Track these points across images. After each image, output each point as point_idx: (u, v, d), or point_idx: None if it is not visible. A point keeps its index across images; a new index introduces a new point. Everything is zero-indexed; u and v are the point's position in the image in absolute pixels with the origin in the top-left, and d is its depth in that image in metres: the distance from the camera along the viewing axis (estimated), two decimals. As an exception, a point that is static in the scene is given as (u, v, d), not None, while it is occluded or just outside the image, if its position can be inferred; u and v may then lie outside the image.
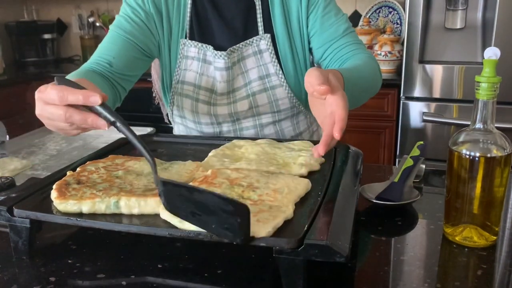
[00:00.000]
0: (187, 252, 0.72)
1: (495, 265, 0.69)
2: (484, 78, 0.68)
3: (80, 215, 0.68)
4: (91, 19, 3.24)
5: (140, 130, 1.31)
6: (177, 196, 0.61)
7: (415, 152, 0.94)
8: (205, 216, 0.59)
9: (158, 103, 1.40)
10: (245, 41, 1.10)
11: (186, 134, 1.23)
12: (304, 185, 0.73)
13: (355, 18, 2.78)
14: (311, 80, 0.72)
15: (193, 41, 1.11)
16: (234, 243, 0.58)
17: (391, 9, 2.70)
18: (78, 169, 0.81)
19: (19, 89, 2.80)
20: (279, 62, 1.12)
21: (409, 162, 0.91)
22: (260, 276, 0.66)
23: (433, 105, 2.15)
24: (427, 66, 2.12)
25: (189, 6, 1.11)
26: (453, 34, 2.14)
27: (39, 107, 0.71)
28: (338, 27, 1.10)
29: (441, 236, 0.77)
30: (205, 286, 0.64)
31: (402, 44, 2.31)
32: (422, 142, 0.96)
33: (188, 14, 1.11)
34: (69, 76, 0.90)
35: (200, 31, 1.12)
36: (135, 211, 0.68)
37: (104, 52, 1.05)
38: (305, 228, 0.60)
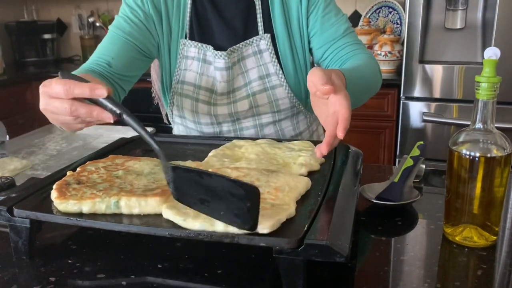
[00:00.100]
0: (187, 252, 0.72)
1: (495, 265, 0.69)
2: (484, 78, 0.68)
3: (80, 215, 0.68)
4: (91, 19, 3.24)
5: (140, 130, 1.31)
6: (187, 182, 0.61)
7: (415, 152, 0.94)
8: (214, 202, 0.59)
9: (158, 103, 1.40)
10: (245, 41, 1.11)
11: (186, 134, 1.23)
12: (304, 183, 0.74)
13: (355, 18, 2.78)
14: (314, 80, 0.72)
15: (193, 41, 1.11)
16: (242, 230, 0.59)
17: (391, 9, 2.70)
18: (78, 169, 0.81)
19: (19, 89, 2.80)
20: (279, 62, 1.12)
21: (409, 162, 0.91)
22: (260, 276, 0.66)
23: (433, 105, 2.15)
24: (427, 66, 2.12)
25: (189, 6, 1.11)
26: (453, 34, 2.14)
27: (44, 101, 0.71)
28: (339, 27, 1.10)
29: (441, 236, 0.77)
30: (205, 286, 0.64)
31: (402, 44, 2.31)
32: (422, 142, 0.96)
33: (188, 14, 1.11)
34: None
35: (200, 31, 1.12)
36: (136, 211, 0.68)
37: (104, 52, 1.05)
38: (305, 228, 0.60)
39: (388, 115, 2.31)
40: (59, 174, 0.81)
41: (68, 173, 0.79)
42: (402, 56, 2.23)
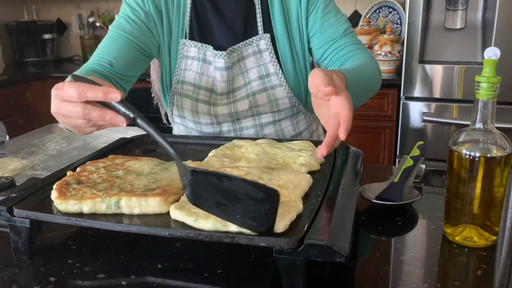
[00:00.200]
0: (187, 252, 0.72)
1: (495, 265, 0.69)
2: (484, 78, 0.68)
3: (80, 215, 0.68)
4: (91, 19, 3.24)
5: (140, 130, 1.30)
6: (204, 185, 0.61)
7: (415, 152, 0.94)
8: (231, 206, 0.59)
9: (157, 103, 1.41)
10: (245, 41, 1.11)
11: (186, 134, 1.23)
12: (307, 180, 0.74)
13: (355, 18, 2.78)
14: (316, 81, 0.72)
15: (193, 41, 1.11)
16: (257, 232, 0.59)
17: (391, 9, 2.70)
18: (78, 169, 0.81)
19: (19, 89, 2.80)
20: (278, 61, 1.12)
21: (409, 162, 0.91)
22: (260, 276, 0.66)
23: (433, 105, 2.15)
24: (427, 66, 2.12)
25: (188, 6, 1.11)
26: (453, 34, 2.14)
27: (56, 104, 0.70)
28: (338, 27, 1.11)
29: (441, 236, 0.77)
30: (205, 286, 0.64)
31: (402, 44, 2.31)
32: (422, 142, 0.96)
33: (188, 14, 1.11)
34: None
35: (200, 31, 1.12)
36: (136, 211, 0.68)
37: (105, 52, 1.05)
38: (305, 228, 0.60)
39: (388, 115, 2.31)
40: (59, 174, 0.81)
41: (68, 173, 0.79)
42: (402, 56, 2.23)
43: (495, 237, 0.73)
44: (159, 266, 0.69)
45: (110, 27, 1.10)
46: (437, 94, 2.14)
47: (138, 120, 0.67)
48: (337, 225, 0.61)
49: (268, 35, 1.10)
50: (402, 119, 2.21)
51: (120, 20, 1.09)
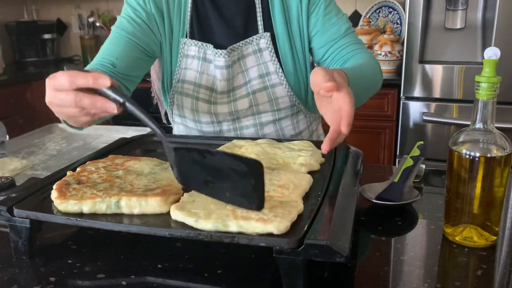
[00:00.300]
0: (187, 252, 0.72)
1: (495, 265, 0.69)
2: (484, 78, 0.68)
3: (80, 215, 0.68)
4: (91, 19, 3.24)
5: (140, 130, 1.31)
6: (190, 163, 0.62)
7: (415, 152, 0.94)
8: (219, 183, 0.60)
9: (157, 103, 1.41)
10: (245, 40, 1.11)
11: (186, 134, 1.23)
12: (307, 180, 0.74)
13: (355, 18, 2.78)
14: (317, 79, 0.74)
15: (193, 40, 1.11)
16: (251, 210, 0.60)
17: (391, 9, 2.70)
18: (78, 169, 0.81)
19: (19, 89, 2.80)
20: (279, 60, 1.12)
21: (409, 162, 0.91)
22: (260, 276, 0.66)
23: (433, 105, 2.15)
24: (427, 66, 2.12)
25: (189, 5, 1.11)
26: (453, 34, 2.14)
27: (50, 94, 0.71)
28: (340, 27, 1.11)
29: (441, 236, 0.77)
30: (205, 286, 0.64)
31: (402, 44, 2.31)
32: (422, 142, 0.96)
33: (189, 13, 1.12)
34: None
35: (200, 30, 1.12)
36: (136, 211, 0.68)
37: (107, 53, 1.05)
38: (305, 228, 0.60)
39: (388, 115, 2.31)
40: (59, 174, 0.81)
41: (68, 173, 0.79)
42: (402, 56, 2.23)
43: (495, 237, 0.73)
44: (159, 266, 0.69)
45: (112, 28, 1.10)
46: (437, 94, 2.14)
47: (127, 104, 0.68)
48: (337, 225, 0.61)
49: (268, 34, 1.11)
50: (402, 119, 2.21)
51: (121, 21, 1.09)
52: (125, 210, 0.68)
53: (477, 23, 2.10)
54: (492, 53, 0.69)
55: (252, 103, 1.13)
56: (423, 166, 1.02)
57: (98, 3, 3.29)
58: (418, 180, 0.99)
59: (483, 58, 0.69)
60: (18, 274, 0.69)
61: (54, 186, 0.73)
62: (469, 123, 0.72)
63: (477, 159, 0.70)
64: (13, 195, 0.73)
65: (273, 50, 1.11)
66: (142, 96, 1.36)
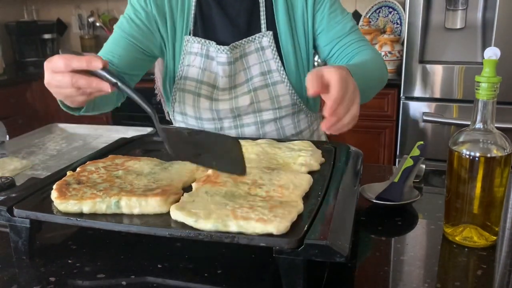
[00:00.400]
0: (187, 252, 0.72)
1: (495, 265, 0.69)
2: (484, 78, 0.68)
3: (80, 215, 0.68)
4: (91, 19, 3.24)
5: (140, 130, 1.31)
6: (179, 139, 0.71)
7: (415, 152, 0.94)
8: (206, 154, 0.69)
9: (160, 102, 1.41)
10: (248, 38, 1.13)
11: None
12: (307, 180, 0.74)
13: (355, 18, 2.76)
14: (307, 86, 0.73)
15: (197, 37, 1.13)
16: (236, 174, 0.70)
17: (391, 9, 2.70)
18: (78, 169, 0.81)
19: (19, 89, 2.80)
20: (281, 59, 1.13)
21: (409, 162, 0.91)
22: (260, 276, 0.66)
23: (433, 105, 2.15)
24: (427, 66, 2.12)
25: (193, 3, 1.13)
26: (453, 34, 2.14)
27: (48, 76, 0.76)
28: (345, 25, 1.13)
29: (441, 236, 0.77)
30: (205, 286, 0.64)
31: (402, 44, 2.31)
32: (422, 142, 0.96)
33: (193, 12, 1.13)
34: None
35: (204, 28, 1.14)
36: (136, 211, 0.68)
37: (107, 52, 1.09)
38: (305, 228, 0.60)
39: (388, 115, 2.31)
40: (59, 174, 0.81)
41: (68, 173, 0.79)
42: (402, 56, 2.23)
43: (495, 237, 0.73)
44: (159, 266, 0.69)
45: (114, 27, 1.13)
46: (437, 94, 2.14)
47: (120, 84, 0.73)
48: (337, 225, 0.61)
49: (271, 32, 1.12)
50: (402, 119, 2.21)
51: (122, 21, 1.12)
52: (125, 210, 0.68)
53: (477, 23, 2.10)
54: (492, 53, 0.69)
55: (253, 100, 1.14)
56: (423, 166, 1.02)
57: (98, 3, 3.29)
58: (418, 180, 0.99)
59: (483, 58, 0.69)
60: (18, 274, 0.69)
61: (54, 186, 0.73)
62: (469, 123, 0.72)
63: (477, 159, 0.70)
64: (13, 195, 0.73)
65: (275, 49, 1.13)
66: (143, 96, 1.37)
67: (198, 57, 1.13)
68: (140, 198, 0.68)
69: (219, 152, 0.67)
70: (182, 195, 0.71)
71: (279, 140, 0.96)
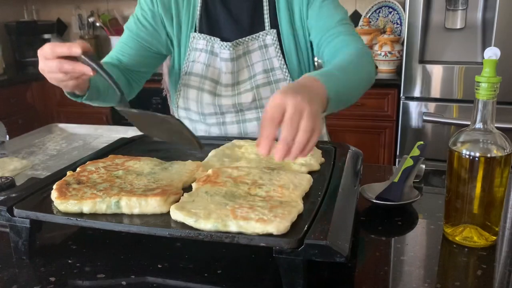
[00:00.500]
0: (187, 252, 0.72)
1: (495, 265, 0.69)
2: (484, 78, 0.68)
3: (80, 215, 0.68)
4: (91, 19, 3.24)
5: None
6: (138, 118, 0.81)
7: (415, 152, 0.94)
8: (164, 131, 0.79)
9: (165, 97, 1.42)
10: (252, 35, 1.14)
11: (190, 127, 1.24)
12: (307, 180, 0.74)
13: (355, 18, 2.77)
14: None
15: (202, 34, 1.15)
16: (196, 150, 0.82)
17: (391, 9, 2.70)
18: (78, 169, 0.81)
19: (19, 89, 2.80)
20: (283, 57, 1.14)
21: (409, 162, 0.91)
22: (260, 276, 0.66)
23: (433, 105, 2.15)
24: (427, 66, 2.12)
25: (199, 1, 1.15)
26: (453, 34, 2.14)
27: (41, 62, 0.85)
28: (334, 17, 1.10)
29: (441, 236, 0.77)
30: (205, 286, 0.64)
31: (402, 44, 2.31)
32: (422, 142, 0.96)
33: (198, 10, 1.16)
34: None
35: (209, 25, 1.16)
36: (136, 211, 0.68)
37: (117, 50, 1.16)
38: (305, 228, 0.60)
39: (388, 115, 2.31)
40: (59, 174, 0.81)
41: (68, 173, 0.79)
42: (402, 56, 2.23)
43: (495, 237, 0.73)
44: (159, 266, 0.69)
45: (124, 26, 1.19)
46: (437, 94, 2.14)
47: (97, 68, 0.80)
48: (337, 225, 0.61)
49: (275, 30, 1.13)
50: (402, 119, 2.21)
51: (130, 21, 1.18)
52: (125, 210, 0.68)
53: (477, 23, 2.10)
54: (492, 53, 0.69)
55: (255, 97, 1.15)
56: (423, 166, 1.02)
57: (98, 3, 3.29)
58: (418, 180, 0.99)
59: (483, 58, 0.69)
60: (18, 274, 0.69)
61: (54, 186, 0.73)
62: (469, 123, 0.72)
63: (477, 159, 0.70)
64: (13, 195, 0.73)
65: (278, 47, 1.14)
66: (143, 96, 1.37)
67: (203, 53, 1.16)
68: (140, 198, 0.68)
69: (173, 129, 0.74)
70: (182, 195, 0.71)
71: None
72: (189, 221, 0.63)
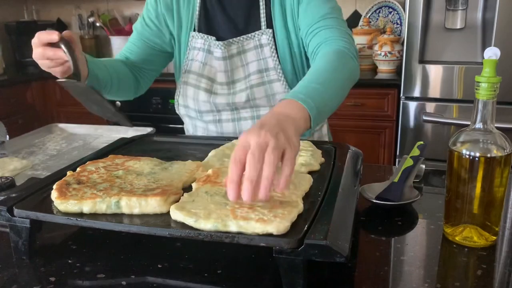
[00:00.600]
0: (187, 252, 0.72)
1: (495, 265, 0.69)
2: (484, 78, 0.68)
3: (80, 215, 0.68)
4: (91, 19, 3.24)
5: (140, 130, 1.31)
6: (81, 93, 0.93)
7: (415, 152, 0.94)
8: (100, 108, 0.96)
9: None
10: (247, 35, 1.15)
11: (190, 124, 1.28)
12: (307, 181, 0.75)
13: (355, 18, 2.77)
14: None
15: (200, 33, 1.17)
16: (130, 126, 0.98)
17: (391, 9, 2.70)
18: (78, 169, 0.81)
19: (19, 89, 2.80)
20: (278, 57, 1.14)
21: (409, 162, 0.91)
22: (260, 276, 0.66)
23: (433, 105, 2.15)
24: (427, 66, 2.12)
25: (198, 2, 1.17)
26: (453, 34, 2.14)
27: (34, 51, 0.90)
28: (319, 12, 1.07)
29: (441, 236, 0.77)
30: (205, 286, 0.64)
31: (402, 44, 2.31)
32: (422, 142, 0.96)
33: (197, 8, 1.17)
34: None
35: (207, 24, 1.18)
36: (136, 211, 0.68)
37: (126, 50, 1.22)
38: (305, 228, 0.60)
39: (388, 115, 2.31)
40: (59, 174, 0.81)
41: (68, 173, 0.79)
42: (402, 56, 2.23)
43: (495, 237, 0.73)
44: (159, 266, 0.69)
45: (133, 26, 1.26)
46: (437, 94, 2.14)
47: (65, 49, 0.88)
48: (337, 225, 0.61)
49: (271, 30, 1.14)
50: (402, 119, 2.21)
51: (138, 21, 1.24)
52: (125, 210, 0.68)
53: (477, 23, 2.10)
54: (492, 53, 0.69)
55: (249, 97, 1.15)
56: (423, 166, 1.02)
57: (98, 3, 3.29)
58: (418, 180, 0.99)
59: (483, 58, 0.69)
60: (18, 274, 0.69)
61: (54, 186, 0.73)
62: (469, 123, 0.72)
63: (477, 159, 0.70)
64: (13, 195, 0.73)
65: (273, 47, 1.14)
66: (143, 96, 1.38)
67: (201, 52, 1.18)
68: (140, 198, 0.68)
69: (106, 106, 0.91)
70: (182, 195, 0.71)
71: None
72: (189, 221, 0.63)
